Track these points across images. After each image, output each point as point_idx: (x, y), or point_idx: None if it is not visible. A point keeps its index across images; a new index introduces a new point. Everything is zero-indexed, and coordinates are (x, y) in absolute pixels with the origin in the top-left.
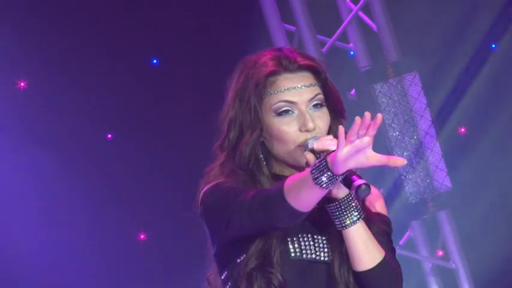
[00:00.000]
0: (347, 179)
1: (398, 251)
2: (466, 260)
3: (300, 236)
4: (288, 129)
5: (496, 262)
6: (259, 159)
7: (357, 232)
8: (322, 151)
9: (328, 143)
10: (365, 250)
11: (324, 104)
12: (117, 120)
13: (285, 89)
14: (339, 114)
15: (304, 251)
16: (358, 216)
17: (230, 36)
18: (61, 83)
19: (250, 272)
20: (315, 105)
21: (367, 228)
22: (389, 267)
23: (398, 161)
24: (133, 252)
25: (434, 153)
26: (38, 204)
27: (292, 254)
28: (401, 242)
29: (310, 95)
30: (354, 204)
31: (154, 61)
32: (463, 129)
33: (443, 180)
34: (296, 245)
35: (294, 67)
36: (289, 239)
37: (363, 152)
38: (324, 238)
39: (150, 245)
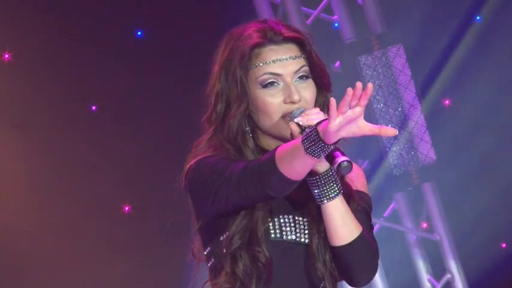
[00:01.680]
0: (330, 154)
1: (382, 223)
2: (450, 231)
3: (280, 217)
4: (273, 100)
5: (479, 234)
6: (245, 132)
7: (335, 207)
8: (308, 125)
9: (314, 117)
10: (342, 225)
11: (310, 76)
12: (101, 92)
13: (270, 61)
14: (324, 86)
15: (284, 232)
16: (338, 191)
17: (214, 8)
18: (46, 55)
19: (234, 252)
20: (301, 77)
21: (345, 203)
22: (366, 243)
23: (389, 131)
24: (118, 224)
25: (419, 126)
26: (22, 175)
27: (272, 235)
28: (385, 214)
29: (296, 67)
30: (333, 179)
31: (139, 33)
32: (447, 101)
33: (427, 152)
34: (276, 226)
35: (278, 39)
36: (269, 220)
37: (355, 122)
38: (304, 220)
39: (134, 217)
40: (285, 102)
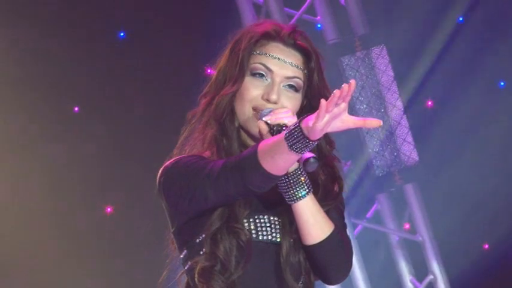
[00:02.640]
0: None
1: (365, 224)
2: (432, 232)
3: (256, 217)
4: (253, 90)
5: (462, 235)
6: (233, 113)
7: (306, 206)
8: (277, 124)
9: (282, 116)
10: (314, 224)
11: (300, 90)
12: (84, 93)
13: (269, 55)
14: (314, 108)
15: (260, 232)
16: (307, 190)
17: (197, 8)
18: (28, 56)
19: (215, 234)
20: (290, 86)
21: (316, 202)
22: (339, 240)
23: (374, 122)
24: (100, 225)
25: (402, 127)
26: (3, 176)
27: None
28: (368, 215)
29: (290, 73)
30: (303, 178)
31: (121, 34)
32: (430, 103)
33: (410, 153)
34: (252, 226)
35: (289, 42)
36: (245, 220)
37: (339, 117)
38: (280, 220)
39: (116, 219)
40: (262, 97)
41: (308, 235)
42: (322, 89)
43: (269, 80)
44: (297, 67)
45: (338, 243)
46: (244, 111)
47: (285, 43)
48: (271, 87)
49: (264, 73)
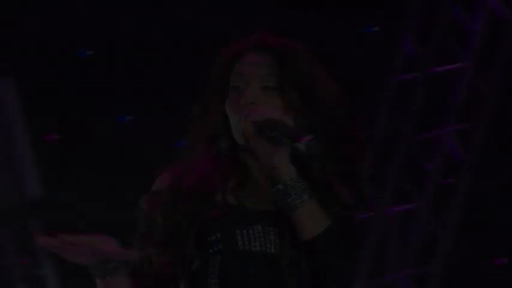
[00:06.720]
0: (293, 139)
1: None
2: None
3: (249, 227)
4: (234, 103)
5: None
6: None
7: (303, 211)
8: (268, 121)
9: (263, 109)
10: (308, 221)
11: (278, 88)
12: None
13: (239, 64)
14: (309, 104)
15: (253, 243)
16: (308, 196)
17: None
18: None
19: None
20: (264, 88)
21: (316, 207)
22: (335, 233)
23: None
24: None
25: (25, 159)
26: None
27: (241, 247)
28: None
29: (262, 72)
30: (301, 184)
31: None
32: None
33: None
34: (245, 237)
35: (255, 47)
36: (238, 231)
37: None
38: (275, 229)
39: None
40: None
41: (303, 230)
42: (308, 78)
43: (244, 87)
44: (271, 65)
45: (336, 235)
46: (235, 125)
47: (253, 49)
48: (245, 90)
49: (238, 84)
